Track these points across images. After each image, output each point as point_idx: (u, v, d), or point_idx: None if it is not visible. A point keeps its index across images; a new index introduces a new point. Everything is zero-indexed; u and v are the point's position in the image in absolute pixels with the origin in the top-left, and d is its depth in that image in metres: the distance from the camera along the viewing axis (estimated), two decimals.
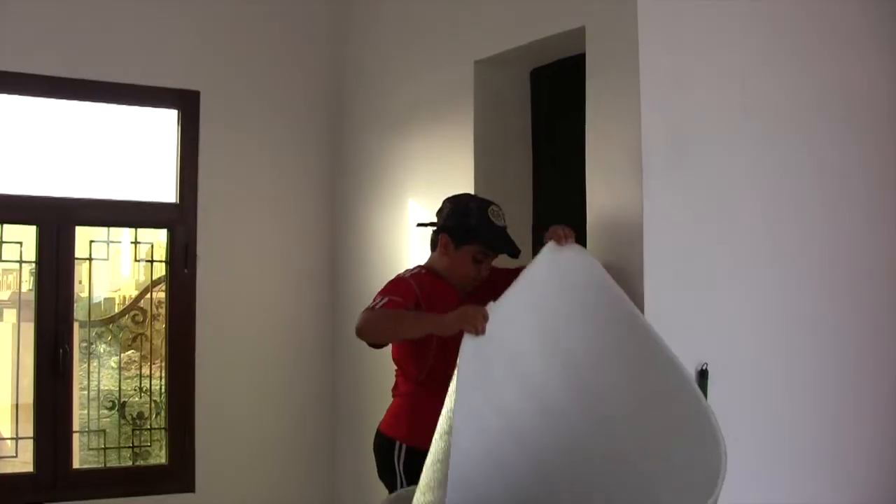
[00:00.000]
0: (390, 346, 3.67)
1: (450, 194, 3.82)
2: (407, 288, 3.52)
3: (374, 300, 3.44)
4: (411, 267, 3.76)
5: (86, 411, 5.50)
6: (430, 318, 3.34)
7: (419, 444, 3.34)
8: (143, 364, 5.66)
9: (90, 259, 5.42)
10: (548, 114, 4.61)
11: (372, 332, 3.42)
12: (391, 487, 3.57)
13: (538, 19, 4.11)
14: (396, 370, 3.75)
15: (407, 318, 3.39)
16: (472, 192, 4.35)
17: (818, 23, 4.04)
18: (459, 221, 3.60)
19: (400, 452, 3.53)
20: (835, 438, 3.96)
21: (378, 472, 3.67)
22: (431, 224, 3.73)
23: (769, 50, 3.89)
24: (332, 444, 5.76)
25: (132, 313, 5.73)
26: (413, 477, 3.36)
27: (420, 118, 4.97)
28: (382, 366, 4.76)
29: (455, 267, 3.62)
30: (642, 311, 3.37)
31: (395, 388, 3.76)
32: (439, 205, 3.76)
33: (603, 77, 3.71)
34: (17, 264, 5.32)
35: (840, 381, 3.98)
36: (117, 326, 5.78)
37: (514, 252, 3.61)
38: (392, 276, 3.70)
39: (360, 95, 5.65)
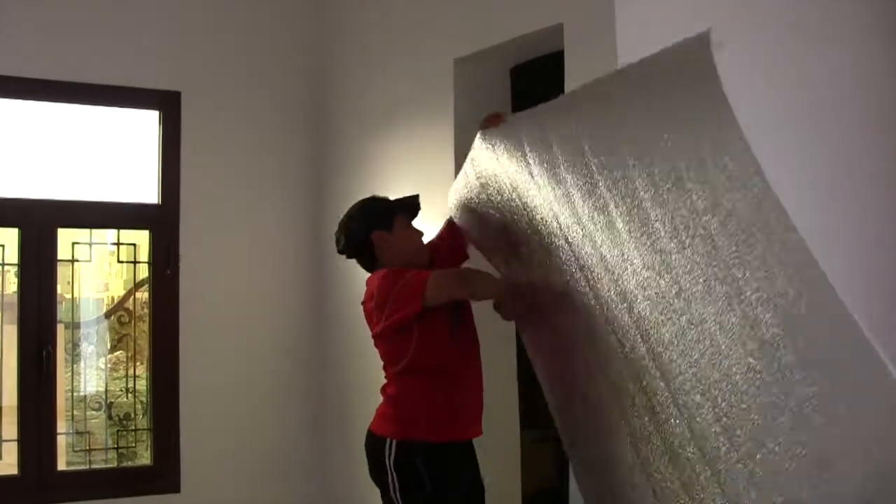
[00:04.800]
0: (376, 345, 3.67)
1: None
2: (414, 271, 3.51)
3: (405, 290, 3.40)
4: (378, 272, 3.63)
5: (72, 412, 5.49)
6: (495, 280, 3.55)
7: (409, 436, 3.43)
8: (129, 365, 5.66)
9: (73, 261, 5.42)
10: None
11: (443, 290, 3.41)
12: (383, 487, 3.52)
13: (517, 17, 4.13)
14: (384, 368, 3.70)
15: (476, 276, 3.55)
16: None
17: (801, 15, 4.05)
18: (371, 216, 3.62)
19: (390, 450, 3.48)
20: None
21: (370, 473, 3.61)
22: (353, 249, 3.69)
23: (750, 44, 3.90)
24: (320, 443, 5.76)
25: (118, 314, 5.74)
26: (404, 474, 3.41)
27: (401, 116, 4.99)
28: (369, 365, 4.78)
29: (405, 246, 3.61)
30: None
31: (381, 389, 3.69)
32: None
33: (582, 73, 3.72)
34: (0, 267, 5.31)
35: None
36: (103, 327, 5.78)
37: (418, 202, 3.69)
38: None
39: (342, 94, 5.66)
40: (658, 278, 2.47)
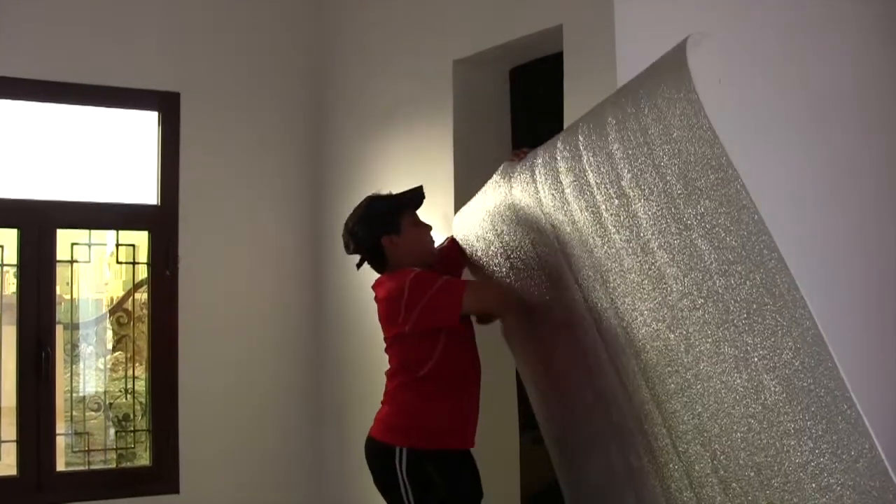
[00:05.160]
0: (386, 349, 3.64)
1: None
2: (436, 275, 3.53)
3: (435, 292, 3.41)
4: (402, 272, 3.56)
5: (71, 413, 5.48)
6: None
7: (421, 445, 3.42)
8: (128, 366, 5.65)
9: (72, 261, 5.41)
10: (527, 112, 4.62)
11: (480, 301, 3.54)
12: (395, 496, 3.50)
13: (516, 19, 4.12)
14: (390, 373, 3.64)
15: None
16: (451, 189, 4.39)
17: (801, 15, 4.05)
18: (378, 221, 3.59)
19: (401, 457, 3.46)
20: None
21: (376, 481, 3.58)
22: (364, 253, 3.67)
23: (750, 44, 3.90)
24: (319, 445, 5.75)
25: (117, 315, 5.73)
26: (416, 480, 3.40)
27: (400, 117, 4.98)
28: (368, 368, 4.78)
29: (415, 245, 3.60)
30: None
31: (388, 394, 3.64)
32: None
33: (581, 75, 3.72)
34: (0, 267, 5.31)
35: None
36: (102, 328, 5.78)
37: (422, 192, 3.67)
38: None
39: (341, 94, 5.65)
40: (668, 332, 2.50)
